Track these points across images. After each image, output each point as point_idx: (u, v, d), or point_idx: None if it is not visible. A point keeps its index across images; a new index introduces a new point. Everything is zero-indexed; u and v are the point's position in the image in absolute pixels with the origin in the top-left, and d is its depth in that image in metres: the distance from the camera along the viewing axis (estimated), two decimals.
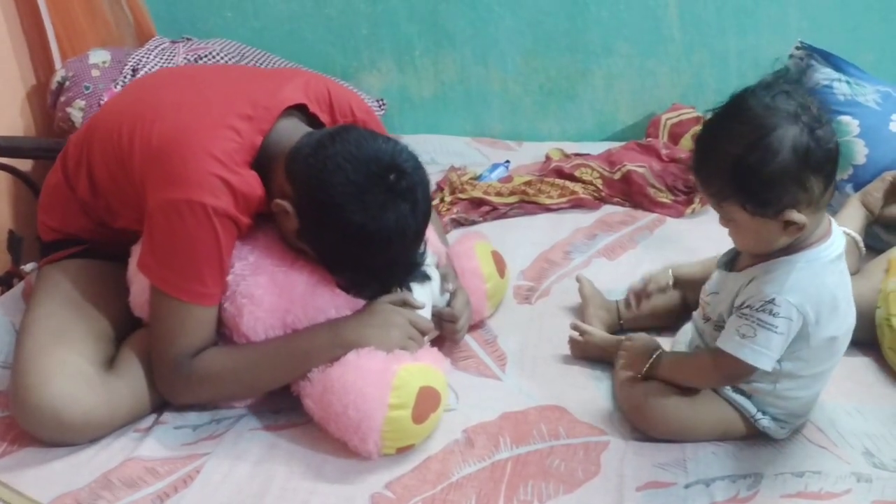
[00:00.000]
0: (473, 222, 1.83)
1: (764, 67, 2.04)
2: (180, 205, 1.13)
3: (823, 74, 1.72)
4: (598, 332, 1.35)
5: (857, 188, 1.62)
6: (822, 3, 2.03)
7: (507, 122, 2.27)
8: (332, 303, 1.22)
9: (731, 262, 1.17)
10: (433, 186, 1.95)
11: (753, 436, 1.18)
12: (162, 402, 1.24)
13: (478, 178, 1.97)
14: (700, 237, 1.71)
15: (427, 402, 1.14)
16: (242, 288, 1.19)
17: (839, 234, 1.11)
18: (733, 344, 1.08)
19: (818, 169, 1.01)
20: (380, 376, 1.13)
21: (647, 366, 1.19)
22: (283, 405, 1.26)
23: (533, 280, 1.61)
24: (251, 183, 1.18)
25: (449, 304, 1.36)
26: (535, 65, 2.19)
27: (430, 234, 1.31)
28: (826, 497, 1.09)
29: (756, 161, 0.99)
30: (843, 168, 1.67)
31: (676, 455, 1.16)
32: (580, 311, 1.47)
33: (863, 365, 1.34)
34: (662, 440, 1.18)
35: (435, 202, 1.86)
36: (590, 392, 1.30)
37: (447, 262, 1.40)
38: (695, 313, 1.25)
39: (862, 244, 1.48)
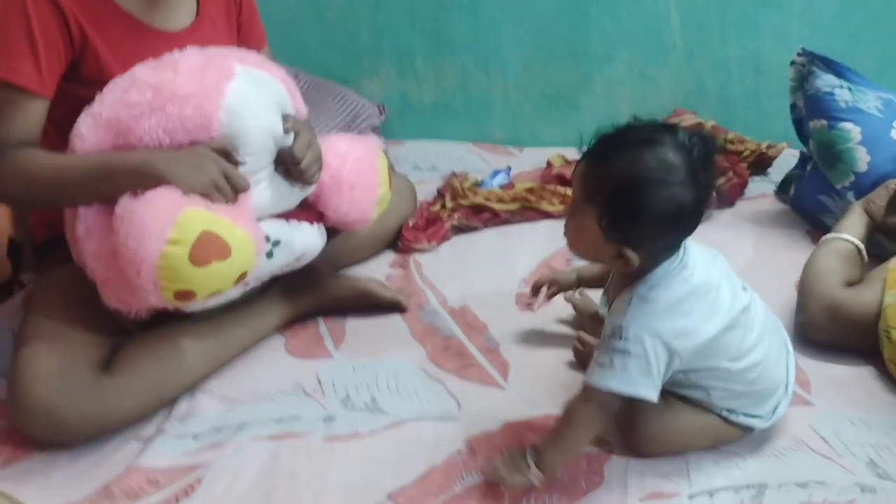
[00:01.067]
0: (475, 228, 1.83)
1: (764, 74, 2.09)
2: None
3: (825, 81, 1.72)
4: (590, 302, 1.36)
5: (858, 196, 1.61)
6: (823, 10, 2.04)
7: (509, 129, 2.27)
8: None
9: (609, 301, 1.17)
10: (434, 193, 1.96)
11: (747, 436, 1.18)
12: (163, 407, 1.25)
13: (479, 184, 1.97)
14: (700, 238, 1.68)
15: (209, 248, 1.10)
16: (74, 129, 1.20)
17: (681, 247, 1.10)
18: (595, 374, 1.08)
19: (679, 231, 1.05)
20: (165, 211, 1.09)
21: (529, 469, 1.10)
22: (285, 413, 1.26)
23: None
24: None
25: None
26: (537, 71, 2.20)
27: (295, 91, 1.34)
28: None
29: (644, 195, 1.00)
30: (844, 175, 1.67)
31: (679, 465, 1.16)
32: (579, 324, 1.47)
33: (867, 374, 1.33)
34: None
35: (436, 208, 1.86)
36: None
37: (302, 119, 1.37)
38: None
39: (864, 252, 1.48)
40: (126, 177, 1.14)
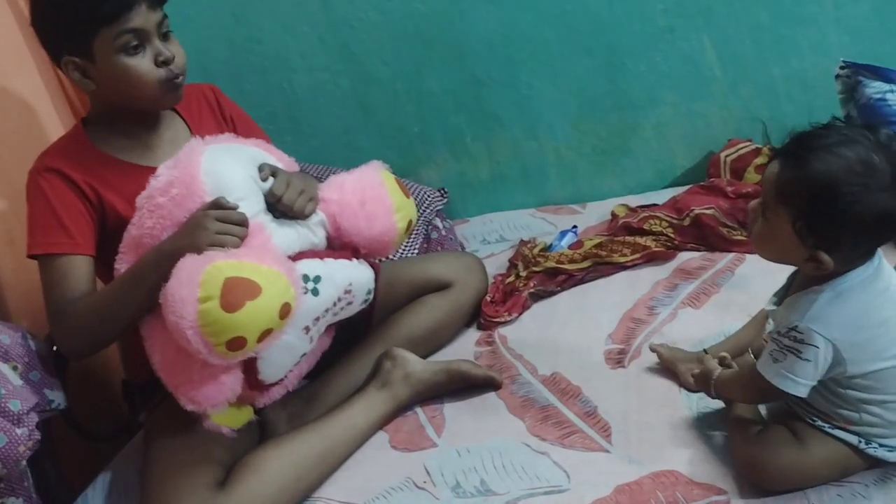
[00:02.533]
0: (552, 293, 1.85)
1: (813, 89, 2.08)
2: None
3: (874, 88, 1.71)
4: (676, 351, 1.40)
5: None
6: (857, 14, 2.02)
7: (568, 188, 2.30)
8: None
9: (780, 300, 1.17)
10: (504, 263, 2.00)
11: (873, 466, 1.15)
12: None
13: (548, 247, 2.00)
14: (782, 268, 1.66)
15: (237, 291, 1.15)
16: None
17: (876, 254, 1.09)
18: (765, 365, 1.11)
19: (880, 238, 1.04)
20: (190, 276, 1.16)
21: (712, 386, 1.25)
22: None
23: (622, 342, 1.62)
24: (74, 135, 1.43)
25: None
26: (585, 128, 2.23)
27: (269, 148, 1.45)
28: None
29: (845, 198, 0.99)
30: None
31: (801, 503, 1.14)
32: (672, 375, 1.47)
33: None
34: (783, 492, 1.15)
35: (511, 279, 1.89)
36: (701, 450, 1.28)
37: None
38: None
39: None
40: (149, 272, 1.25)
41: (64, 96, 1.91)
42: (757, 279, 1.71)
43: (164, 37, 1.37)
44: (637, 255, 1.87)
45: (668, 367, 1.47)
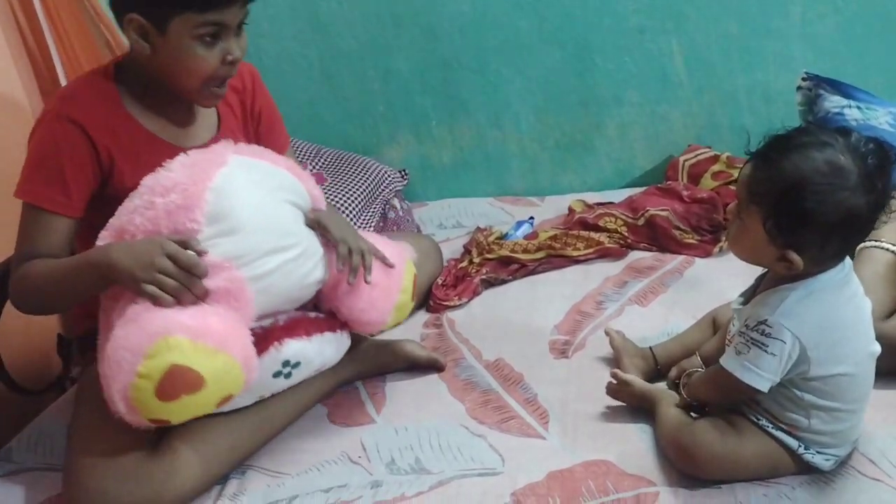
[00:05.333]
0: (504, 281, 1.85)
1: (774, 101, 2.12)
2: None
3: (833, 102, 1.75)
4: (637, 381, 1.35)
5: None
6: (824, 31, 2.07)
7: (528, 180, 2.31)
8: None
9: (746, 300, 1.19)
10: (459, 248, 2.00)
11: (803, 471, 1.17)
12: (214, 485, 1.27)
13: (504, 236, 2.01)
14: (729, 275, 1.71)
15: (177, 382, 1.07)
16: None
17: (846, 261, 1.12)
18: (729, 359, 1.13)
19: (849, 239, 1.05)
20: (142, 339, 1.08)
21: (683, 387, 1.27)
22: (332, 483, 1.28)
23: (567, 334, 1.63)
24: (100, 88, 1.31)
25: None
26: (549, 121, 2.24)
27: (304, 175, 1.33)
28: None
29: (813, 196, 1.00)
30: None
31: (728, 500, 1.15)
32: (616, 362, 1.48)
33: None
34: (712, 482, 1.17)
35: (464, 264, 1.89)
36: (634, 444, 1.29)
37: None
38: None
39: None
40: (88, 269, 1.19)
41: (30, 66, 1.83)
42: (704, 283, 1.75)
43: (239, 29, 1.29)
44: (590, 250, 1.88)
45: (615, 355, 1.48)
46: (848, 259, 1.13)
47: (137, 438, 1.26)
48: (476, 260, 1.90)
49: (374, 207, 2.05)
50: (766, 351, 1.08)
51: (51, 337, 1.65)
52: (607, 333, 1.49)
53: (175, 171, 1.20)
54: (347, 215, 1.95)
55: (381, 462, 1.32)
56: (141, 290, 1.12)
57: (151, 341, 1.07)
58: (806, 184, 1.01)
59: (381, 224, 2.03)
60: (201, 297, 1.14)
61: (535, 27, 2.11)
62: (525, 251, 1.89)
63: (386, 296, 1.39)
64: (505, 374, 1.52)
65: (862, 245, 1.46)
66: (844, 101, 1.73)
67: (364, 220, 1.99)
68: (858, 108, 1.72)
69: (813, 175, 1.01)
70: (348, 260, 1.31)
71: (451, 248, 2.00)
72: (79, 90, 1.32)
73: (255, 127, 1.50)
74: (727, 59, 2.12)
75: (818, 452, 1.15)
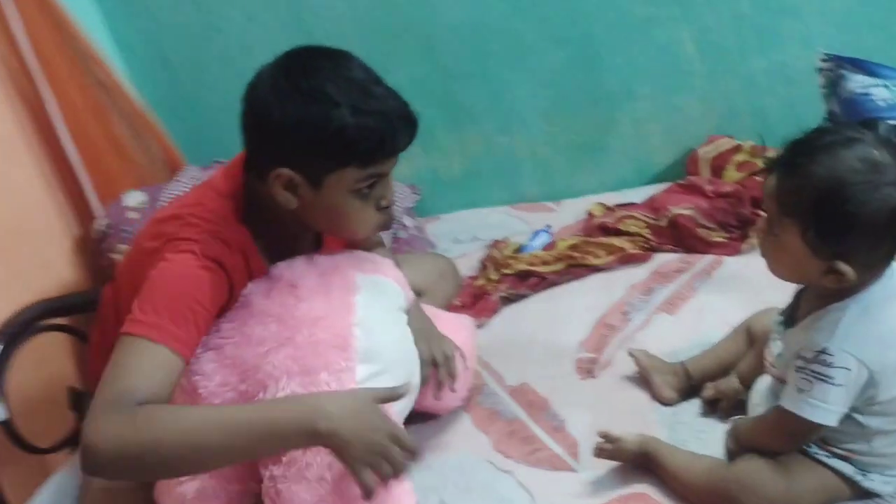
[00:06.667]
0: (523, 296, 1.78)
1: (797, 82, 2.01)
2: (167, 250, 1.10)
3: (857, 83, 1.64)
4: (629, 436, 1.21)
5: None
6: (842, 5, 1.95)
7: (543, 184, 2.23)
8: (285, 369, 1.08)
9: (788, 319, 1.10)
10: (476, 264, 1.93)
11: (860, 496, 1.08)
12: None
13: (521, 249, 1.93)
14: (761, 274, 1.57)
15: None
16: (193, 365, 1.11)
17: (894, 266, 1.02)
18: (791, 399, 1.03)
19: None
20: None
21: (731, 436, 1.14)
22: None
23: (593, 350, 1.55)
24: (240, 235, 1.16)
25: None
26: (560, 123, 2.16)
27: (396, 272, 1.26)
28: None
29: (853, 198, 0.93)
30: None
31: None
32: (646, 382, 1.40)
33: None
34: None
35: (480, 282, 1.82)
36: None
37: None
38: (765, 375, 1.17)
39: None
40: (287, 434, 0.99)
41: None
42: (735, 284, 1.65)
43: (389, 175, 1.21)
44: (612, 257, 1.80)
45: (643, 376, 1.40)
46: (895, 265, 1.03)
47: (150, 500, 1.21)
48: (493, 276, 1.82)
49: None
50: (831, 384, 0.98)
51: (60, 391, 1.61)
52: (631, 355, 1.42)
53: (307, 301, 1.13)
54: None
55: None
56: (359, 473, 0.98)
57: None
58: (844, 185, 0.93)
59: (392, 245, 1.97)
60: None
61: (536, 28, 2.03)
62: (544, 263, 1.82)
63: (463, 384, 1.39)
64: (529, 400, 1.45)
65: None
66: (870, 80, 1.63)
67: None
68: (885, 86, 1.62)
69: (849, 175, 0.93)
70: (436, 375, 1.29)
71: (469, 264, 1.93)
72: (217, 230, 1.14)
73: None
74: (741, 42, 2.01)
75: (879, 475, 1.06)
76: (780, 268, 1.06)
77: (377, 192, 1.16)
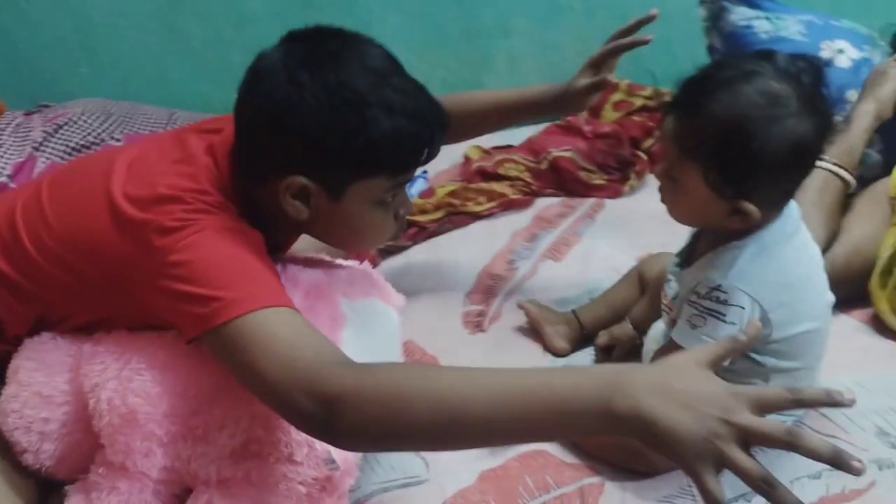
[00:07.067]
0: (402, 248, 1.66)
1: (673, 18, 1.96)
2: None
3: (739, 15, 1.62)
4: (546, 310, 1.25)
5: None
6: None
7: None
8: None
9: (685, 261, 1.06)
10: None
11: None
12: None
13: None
14: (643, 216, 1.59)
15: None
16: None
17: (792, 205, 1.01)
18: (683, 333, 1.00)
19: (801, 171, 0.94)
20: None
21: None
22: None
23: (481, 303, 1.47)
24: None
25: None
26: (432, 59, 2.04)
27: None
28: (852, 496, 1.00)
29: (756, 134, 0.89)
30: None
31: (680, 481, 1.04)
32: (537, 334, 1.34)
33: (854, 328, 1.24)
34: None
35: None
36: None
37: None
38: (660, 321, 1.14)
39: (852, 179, 1.33)
40: (580, 416, 0.71)
41: None
42: (619, 228, 1.62)
43: None
44: (493, 204, 1.72)
45: (534, 327, 1.35)
46: (794, 204, 1.01)
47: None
48: None
49: None
50: (724, 320, 0.96)
51: None
52: (520, 307, 1.36)
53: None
54: None
55: None
56: (704, 481, 0.68)
57: None
58: (745, 122, 0.90)
59: None
60: None
61: None
62: (422, 212, 1.71)
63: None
64: (417, 360, 1.35)
65: None
66: (752, 13, 1.61)
67: None
68: (767, 18, 1.60)
69: (750, 110, 0.90)
70: None
71: None
72: (223, 211, 0.97)
73: None
74: None
75: (777, 413, 1.04)
76: (682, 213, 1.02)
77: (398, 200, 1.04)
